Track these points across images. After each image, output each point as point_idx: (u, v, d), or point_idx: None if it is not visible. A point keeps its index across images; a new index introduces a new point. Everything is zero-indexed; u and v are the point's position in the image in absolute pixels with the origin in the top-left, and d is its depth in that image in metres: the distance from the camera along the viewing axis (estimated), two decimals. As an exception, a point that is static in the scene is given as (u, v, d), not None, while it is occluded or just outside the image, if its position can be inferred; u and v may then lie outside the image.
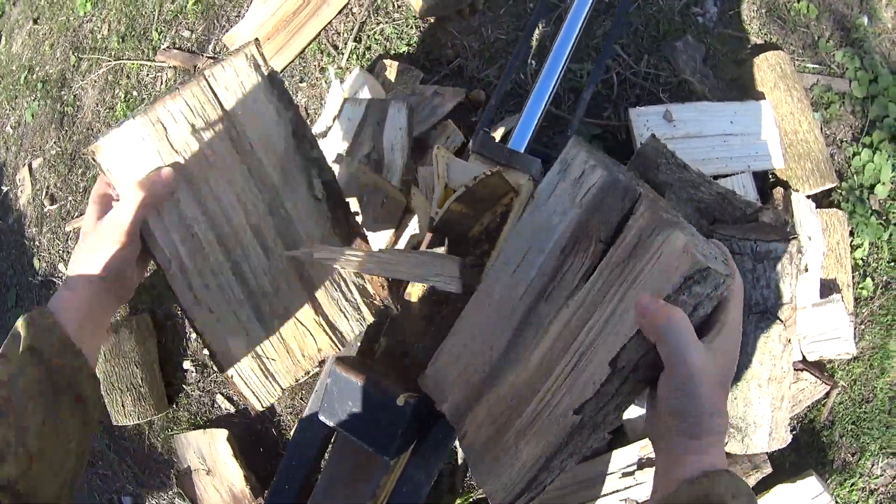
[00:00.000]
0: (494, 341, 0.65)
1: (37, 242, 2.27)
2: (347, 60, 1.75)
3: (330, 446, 1.04)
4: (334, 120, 1.58)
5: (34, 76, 2.47)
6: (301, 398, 1.73)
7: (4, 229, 2.43)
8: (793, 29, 1.74)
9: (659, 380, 0.49)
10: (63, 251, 2.16)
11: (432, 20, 1.74)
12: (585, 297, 0.58)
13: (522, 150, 1.15)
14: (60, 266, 2.17)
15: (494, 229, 1.01)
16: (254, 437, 1.74)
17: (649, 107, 1.58)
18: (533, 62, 1.68)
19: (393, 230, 1.40)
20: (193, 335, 1.82)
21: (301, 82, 1.80)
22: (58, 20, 2.48)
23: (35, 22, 2.56)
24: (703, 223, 1.37)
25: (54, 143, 2.32)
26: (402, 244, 1.40)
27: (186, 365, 1.83)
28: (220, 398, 1.79)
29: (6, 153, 2.51)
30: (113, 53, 2.23)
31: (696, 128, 1.59)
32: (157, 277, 1.91)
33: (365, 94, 1.59)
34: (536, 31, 1.68)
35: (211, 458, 1.78)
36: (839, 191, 1.66)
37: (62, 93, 2.37)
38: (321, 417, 0.86)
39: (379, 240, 1.39)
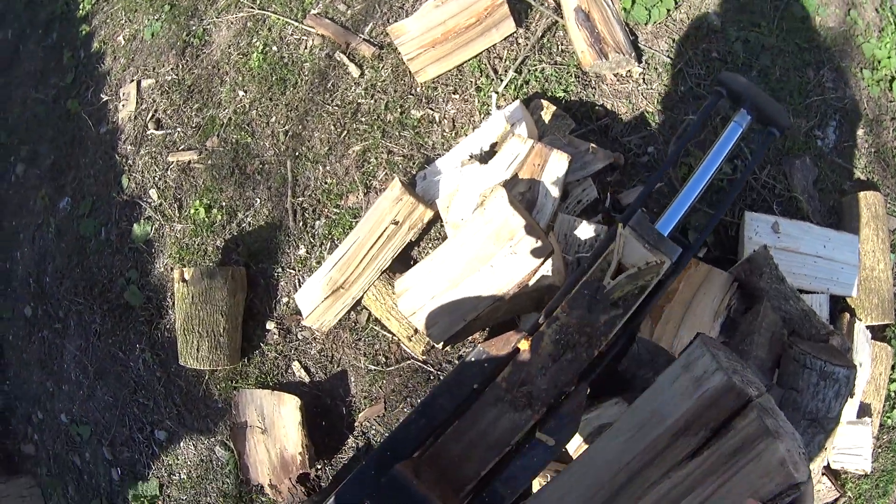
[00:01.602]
0: (595, 494, 0.74)
1: (130, 161, 2.17)
2: (505, 88, 1.76)
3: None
4: (493, 147, 1.58)
5: (164, -3, 2.36)
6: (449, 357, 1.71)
7: (94, 137, 2.31)
8: (893, 174, 1.86)
9: None
10: (159, 179, 2.07)
11: (592, 74, 1.77)
12: (687, 475, 0.67)
13: (667, 235, 1.19)
14: (152, 192, 2.07)
15: (630, 298, 1.05)
16: (320, 410, 1.71)
17: (762, 214, 1.66)
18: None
19: (530, 270, 1.40)
20: (284, 298, 1.78)
21: (454, 93, 1.79)
22: (206, -47, 2.37)
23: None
24: (783, 332, 1.47)
25: (171, 69, 2.22)
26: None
27: (270, 325, 1.79)
28: (296, 365, 1.75)
29: (113, 63, 2.38)
30: (258, 1, 2.15)
31: (795, 244, 1.67)
32: (256, 233, 1.85)
33: (521, 129, 1.60)
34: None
35: (271, 418, 1.74)
36: (893, 328, 1.77)
37: (191, 22, 2.27)
38: (371, 495, 0.96)
39: (513, 278, 1.37)
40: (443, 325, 1.37)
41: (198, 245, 1.92)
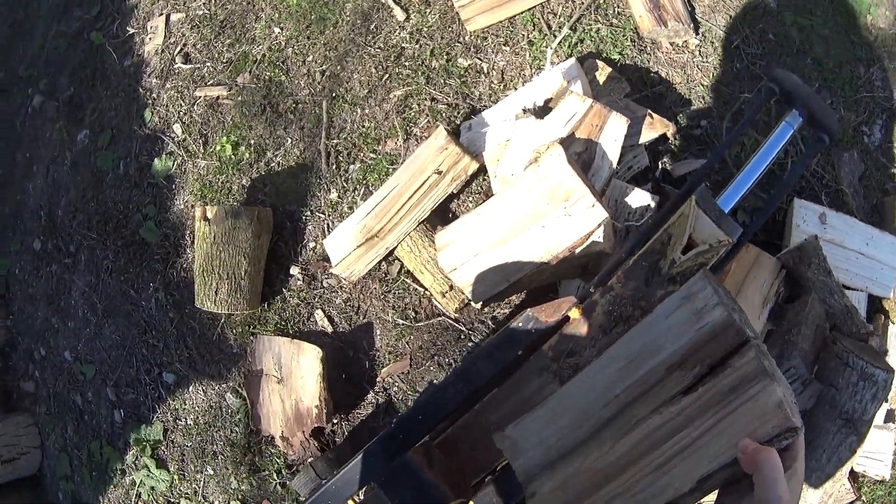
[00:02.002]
0: (582, 424, 0.71)
1: (154, 95, 2.05)
2: (559, 45, 1.65)
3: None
4: (547, 103, 1.48)
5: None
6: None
7: (117, 70, 2.19)
8: (940, 175, 1.77)
9: (743, 501, 0.55)
10: (184, 114, 1.95)
11: (648, 40, 1.66)
12: (680, 411, 0.64)
13: (727, 211, 1.14)
14: (176, 127, 1.96)
15: (689, 274, 0.98)
16: (341, 363, 1.62)
17: (811, 203, 1.59)
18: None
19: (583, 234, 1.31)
20: (311, 243, 1.68)
21: (505, 45, 1.68)
22: None
23: None
24: (826, 326, 1.40)
25: (203, 3, 2.09)
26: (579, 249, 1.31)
27: (294, 271, 1.69)
28: (319, 314, 1.65)
29: (142, -6, 2.25)
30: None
31: (840, 237, 1.60)
32: (285, 174, 1.74)
33: (577, 87, 1.50)
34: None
35: (289, 368, 1.65)
36: None
37: (226, -43, 2.14)
38: (378, 479, 0.96)
39: (565, 241, 1.28)
40: (486, 283, 1.29)
41: (222, 183, 1.81)
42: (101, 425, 2.08)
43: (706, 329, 0.64)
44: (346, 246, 1.53)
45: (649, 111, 1.51)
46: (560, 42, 1.66)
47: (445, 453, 0.98)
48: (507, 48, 1.69)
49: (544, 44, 1.66)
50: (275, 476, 1.74)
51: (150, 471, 1.94)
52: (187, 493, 1.91)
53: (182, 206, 1.88)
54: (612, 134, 1.38)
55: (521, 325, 0.97)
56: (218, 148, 1.83)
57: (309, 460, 1.62)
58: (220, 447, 1.83)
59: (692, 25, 1.66)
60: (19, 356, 2.37)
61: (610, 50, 1.67)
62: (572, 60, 1.54)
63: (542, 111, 1.44)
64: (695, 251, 0.94)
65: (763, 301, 1.39)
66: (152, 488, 1.96)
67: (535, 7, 1.69)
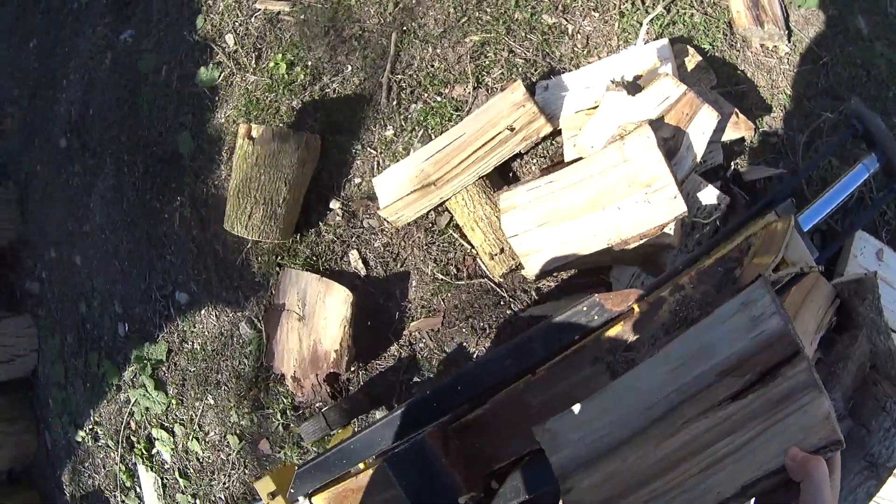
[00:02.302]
0: (627, 422, 0.70)
1: (210, 1, 1.91)
2: (651, 22, 1.52)
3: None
4: (636, 80, 1.36)
5: None
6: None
7: (173, -30, 2.04)
8: None
9: None
10: (240, 25, 1.82)
11: (739, 36, 1.54)
12: (728, 416, 0.63)
13: (806, 230, 1.12)
14: (228, 37, 1.83)
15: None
16: (369, 309, 1.51)
17: (871, 237, 1.50)
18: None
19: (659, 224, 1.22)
20: (357, 178, 1.57)
21: (594, 11, 1.55)
22: None
23: None
24: (867, 364, 1.35)
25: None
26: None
27: (334, 205, 1.58)
28: (354, 255, 1.55)
29: None
30: None
31: (893, 277, 1.51)
32: (340, 103, 1.62)
33: (667, 69, 1.38)
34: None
35: (313, 306, 1.55)
36: None
37: None
38: (391, 458, 0.90)
39: (639, 228, 1.19)
40: (546, 256, 1.22)
41: (270, 102, 1.69)
42: (103, 337, 1.99)
43: (762, 337, 0.64)
44: (398, 189, 1.42)
45: (736, 110, 1.41)
46: (652, 20, 1.53)
47: (465, 437, 0.93)
48: (597, 14, 1.56)
49: (636, 17, 1.54)
50: (278, 416, 1.65)
51: (147, 391, 1.85)
52: (183, 420, 1.82)
53: (223, 121, 1.76)
54: (701, 126, 1.28)
55: (585, 309, 0.92)
56: (271, 65, 1.70)
57: (322, 408, 1.53)
58: (225, 377, 1.74)
59: (786, 32, 1.56)
60: (29, 255, 2.26)
61: (701, 38, 1.55)
62: (665, 41, 1.43)
63: (633, 87, 1.33)
64: (786, 271, 0.89)
65: (817, 328, 1.32)
66: (147, 409, 1.87)
67: None
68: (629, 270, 1.37)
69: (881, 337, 1.28)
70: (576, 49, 1.54)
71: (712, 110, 1.26)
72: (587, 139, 1.30)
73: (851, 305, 1.32)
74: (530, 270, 1.22)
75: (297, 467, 1.13)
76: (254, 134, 1.52)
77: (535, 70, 1.52)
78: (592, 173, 1.17)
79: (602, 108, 1.28)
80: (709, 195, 1.34)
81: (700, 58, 1.48)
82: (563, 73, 1.49)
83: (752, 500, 0.63)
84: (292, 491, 1.09)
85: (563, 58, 1.54)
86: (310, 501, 1.08)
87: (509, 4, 1.58)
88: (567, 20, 1.56)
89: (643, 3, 1.57)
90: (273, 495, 1.14)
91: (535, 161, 1.48)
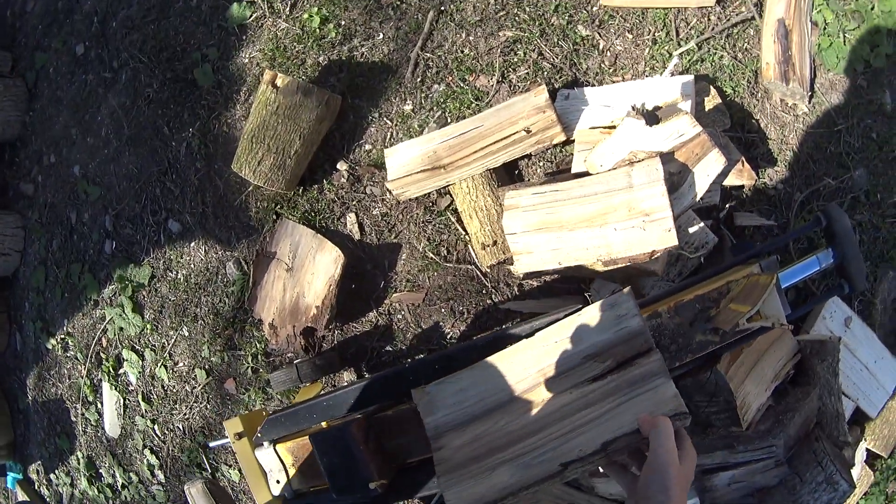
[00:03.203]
0: (500, 391, 0.80)
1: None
2: (680, 55, 1.52)
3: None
4: (655, 110, 1.36)
5: None
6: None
7: None
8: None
9: (644, 466, 0.61)
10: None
11: (762, 87, 1.55)
12: (588, 392, 0.75)
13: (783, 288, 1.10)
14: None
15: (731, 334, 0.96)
16: (356, 273, 1.51)
17: (843, 304, 1.54)
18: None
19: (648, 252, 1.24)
20: (368, 145, 1.54)
21: (629, 32, 1.54)
22: None
23: None
24: (813, 419, 1.39)
25: None
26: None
27: (341, 166, 1.55)
28: (351, 217, 1.53)
29: None
30: None
31: (855, 345, 1.58)
32: (366, 67, 1.58)
33: (686, 106, 1.39)
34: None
35: (302, 260, 1.53)
36: (885, 461, 1.70)
37: None
38: (315, 437, 0.97)
39: (629, 251, 1.20)
40: (538, 258, 1.25)
41: (297, 52, 1.64)
42: (88, 250, 1.94)
43: (623, 331, 0.77)
44: (408, 165, 1.40)
45: (743, 158, 1.43)
46: (682, 53, 1.53)
47: (386, 430, 0.97)
48: (630, 35, 1.55)
49: (667, 47, 1.53)
50: (249, 359, 1.64)
51: (124, 311, 1.82)
52: (154, 346, 1.80)
53: (246, 61, 1.71)
54: (707, 168, 1.30)
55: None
56: (305, 16, 1.65)
57: (294, 360, 1.53)
58: (204, 312, 1.72)
59: (809, 93, 1.55)
60: (27, 156, 2.18)
61: (725, 81, 1.55)
62: (690, 78, 1.43)
63: (652, 118, 1.34)
64: (759, 324, 0.92)
65: (774, 377, 1.37)
66: (121, 329, 1.84)
67: (671, 9, 1.55)
68: (610, 286, 1.39)
69: (832, 398, 1.33)
70: (602, 66, 1.53)
71: (721, 156, 1.29)
72: (598, 157, 1.30)
73: (810, 363, 1.37)
74: (520, 268, 1.24)
75: (267, 414, 1.14)
76: (278, 83, 1.48)
77: (560, 77, 1.51)
78: (598, 191, 1.19)
79: (619, 131, 1.29)
80: (700, 232, 1.36)
81: (720, 100, 1.49)
82: (587, 86, 1.48)
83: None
84: (259, 435, 1.10)
85: (588, 71, 1.53)
86: (274, 447, 1.09)
87: (548, 7, 1.55)
88: (600, 35, 1.55)
89: (677, 34, 1.56)
90: (240, 436, 1.14)
91: (541, 164, 1.48)
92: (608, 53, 1.54)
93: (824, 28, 1.57)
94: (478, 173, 1.41)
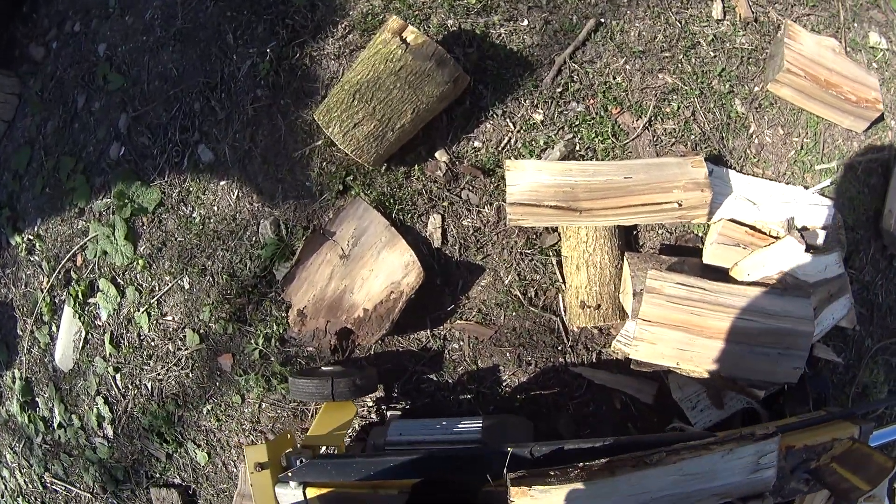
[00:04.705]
0: None
1: None
2: (817, 172, 1.36)
3: None
4: (803, 229, 1.24)
5: None
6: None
7: None
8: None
9: None
10: None
11: (875, 229, 1.43)
12: None
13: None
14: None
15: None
16: (421, 284, 1.20)
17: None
18: None
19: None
20: (478, 142, 1.25)
21: (780, 127, 1.35)
22: None
23: None
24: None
25: None
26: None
27: (441, 157, 1.26)
28: (436, 220, 1.27)
29: None
30: None
31: None
32: (501, 52, 1.28)
33: (821, 239, 1.29)
34: None
35: (363, 250, 1.23)
36: None
37: None
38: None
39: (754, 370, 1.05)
40: (660, 351, 1.08)
41: (423, 4, 1.30)
42: (88, 147, 1.50)
43: (756, 479, 0.78)
44: (538, 193, 1.13)
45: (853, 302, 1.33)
46: (819, 171, 1.36)
47: None
48: (782, 131, 1.36)
49: (810, 158, 1.36)
50: (260, 340, 1.31)
51: (114, 234, 1.42)
52: (141, 286, 1.42)
53: (362, -3, 1.34)
54: (834, 311, 1.28)
55: None
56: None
57: (327, 367, 1.22)
58: (217, 268, 1.36)
59: None
60: (48, 14, 1.68)
61: (847, 213, 1.40)
62: (832, 208, 1.31)
63: (810, 238, 1.21)
64: (864, 496, 0.95)
65: None
66: (105, 253, 1.43)
67: (824, 120, 1.38)
68: (693, 387, 1.21)
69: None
70: (748, 151, 1.33)
71: (849, 301, 1.27)
72: (749, 266, 1.20)
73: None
74: (636, 355, 1.07)
75: (291, 437, 1.05)
76: (409, 38, 1.15)
77: (705, 146, 1.30)
78: (753, 311, 1.06)
79: (778, 247, 1.19)
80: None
81: (844, 231, 1.34)
82: (729, 166, 1.29)
83: None
84: (291, 474, 0.92)
85: (733, 151, 1.32)
86: (304, 491, 0.91)
87: (714, 69, 1.32)
88: (754, 119, 1.35)
89: (822, 148, 1.39)
90: (262, 467, 0.86)
91: (659, 231, 1.26)
92: (755, 140, 1.35)
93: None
94: (605, 227, 1.16)
